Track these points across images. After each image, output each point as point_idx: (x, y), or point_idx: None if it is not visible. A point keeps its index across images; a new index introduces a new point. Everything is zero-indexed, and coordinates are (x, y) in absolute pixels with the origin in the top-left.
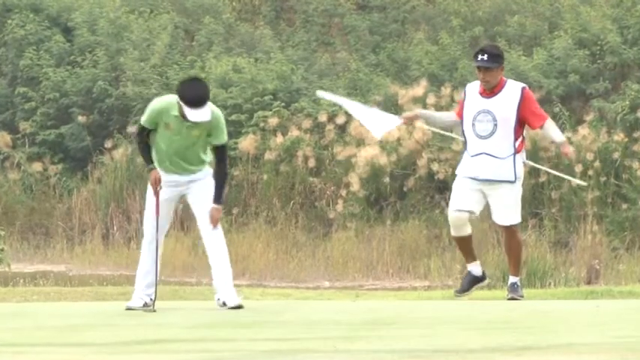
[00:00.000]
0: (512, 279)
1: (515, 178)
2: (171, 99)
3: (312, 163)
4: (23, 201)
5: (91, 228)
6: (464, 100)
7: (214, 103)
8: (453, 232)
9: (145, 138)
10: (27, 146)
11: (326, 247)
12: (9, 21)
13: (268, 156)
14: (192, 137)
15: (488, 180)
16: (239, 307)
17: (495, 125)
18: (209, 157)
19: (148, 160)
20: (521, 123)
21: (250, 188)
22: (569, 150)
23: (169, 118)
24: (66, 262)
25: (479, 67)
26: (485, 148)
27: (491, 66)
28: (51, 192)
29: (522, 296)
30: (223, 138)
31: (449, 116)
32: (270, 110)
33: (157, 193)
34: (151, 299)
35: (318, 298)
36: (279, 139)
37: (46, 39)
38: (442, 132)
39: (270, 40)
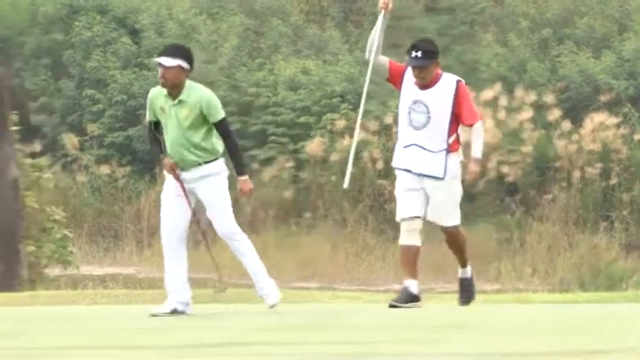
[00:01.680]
0: (462, 272)
1: (445, 175)
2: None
3: (380, 165)
4: (91, 203)
5: (158, 230)
6: (402, 76)
7: (283, 105)
8: (401, 240)
9: (152, 133)
10: (95, 148)
11: (396, 250)
12: (76, 23)
13: (334, 158)
14: (183, 119)
15: (420, 174)
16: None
17: (429, 117)
18: (214, 146)
19: (157, 151)
20: (455, 119)
21: (319, 191)
22: (476, 170)
23: (161, 100)
24: (135, 264)
25: (413, 66)
26: (417, 139)
27: (426, 64)
28: (119, 194)
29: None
30: (218, 115)
31: (384, 59)
32: (338, 113)
33: (177, 178)
34: (185, 302)
35: (388, 301)
36: (346, 141)
37: (113, 41)
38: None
39: (338, 41)
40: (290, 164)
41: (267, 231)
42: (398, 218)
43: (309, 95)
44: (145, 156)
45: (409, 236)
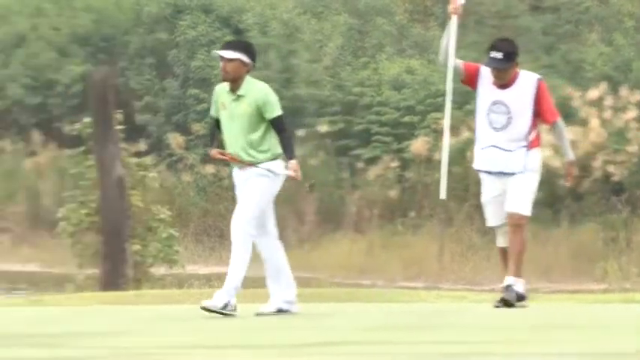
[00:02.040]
0: (508, 280)
1: (524, 169)
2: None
3: None
4: (197, 203)
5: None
6: (477, 77)
7: (387, 104)
8: (498, 243)
9: (213, 128)
10: (200, 148)
11: None
12: (180, 22)
13: (439, 157)
14: (241, 114)
15: (500, 172)
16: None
17: (509, 118)
18: (271, 147)
19: (211, 144)
20: (535, 116)
21: (424, 190)
22: (573, 173)
23: (223, 96)
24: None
25: (492, 67)
26: (497, 141)
27: (506, 66)
28: (224, 194)
29: (513, 301)
30: (275, 111)
31: (458, 62)
32: (443, 112)
33: (228, 156)
34: (290, 301)
35: (493, 301)
36: (451, 140)
37: (217, 40)
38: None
39: None
40: (395, 164)
41: (372, 230)
42: (487, 225)
43: (414, 94)
44: None
45: (504, 239)
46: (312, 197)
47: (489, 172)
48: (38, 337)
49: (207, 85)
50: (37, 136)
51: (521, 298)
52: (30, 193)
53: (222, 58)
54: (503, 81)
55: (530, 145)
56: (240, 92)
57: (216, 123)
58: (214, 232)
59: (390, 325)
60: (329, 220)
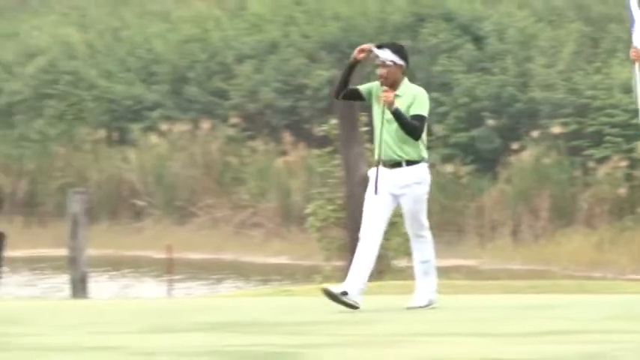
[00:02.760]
0: None
1: None
2: None
3: None
4: (436, 199)
5: (500, 225)
6: None
7: (618, 106)
8: None
9: (348, 88)
10: (440, 148)
11: None
12: (423, 30)
13: None
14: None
15: None
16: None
17: None
18: (419, 150)
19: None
20: None
21: None
22: None
23: (379, 90)
24: (477, 257)
25: None
26: None
27: None
28: (463, 191)
29: None
30: (420, 110)
31: None
32: None
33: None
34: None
35: None
36: None
37: (457, 47)
38: None
39: None
40: (624, 163)
41: (602, 226)
42: None
43: None
44: (487, 155)
45: None
46: (546, 195)
47: None
48: (288, 326)
49: (447, 89)
50: (287, 136)
51: None
52: (281, 190)
53: (378, 63)
54: None
55: None
56: (398, 92)
57: (353, 90)
58: (452, 227)
59: (622, 315)
60: (561, 216)
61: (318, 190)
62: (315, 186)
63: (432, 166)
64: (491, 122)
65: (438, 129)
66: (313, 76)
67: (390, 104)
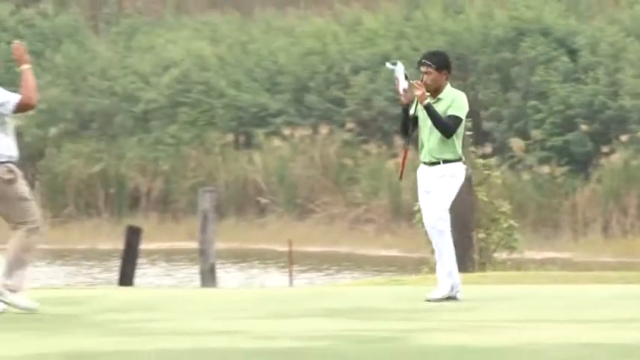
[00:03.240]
0: None
1: None
2: None
3: None
4: (534, 198)
5: (592, 221)
6: None
7: None
8: None
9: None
10: (537, 151)
11: None
12: (522, 43)
13: None
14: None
15: None
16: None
17: None
18: (456, 149)
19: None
20: None
21: None
22: None
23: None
24: (571, 250)
25: None
26: None
27: None
28: (558, 190)
29: None
30: (457, 111)
31: None
32: None
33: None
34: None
35: None
36: None
37: (554, 59)
38: None
39: None
40: None
41: None
42: None
43: None
44: (580, 157)
45: None
46: (634, 194)
47: None
48: (400, 312)
49: (544, 97)
50: (398, 140)
51: None
52: (391, 189)
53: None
54: None
55: None
56: (440, 96)
57: (414, 121)
58: (549, 223)
59: None
60: None
61: None
62: None
63: (529, 168)
64: (584, 127)
65: (536, 134)
66: None
67: (422, 99)
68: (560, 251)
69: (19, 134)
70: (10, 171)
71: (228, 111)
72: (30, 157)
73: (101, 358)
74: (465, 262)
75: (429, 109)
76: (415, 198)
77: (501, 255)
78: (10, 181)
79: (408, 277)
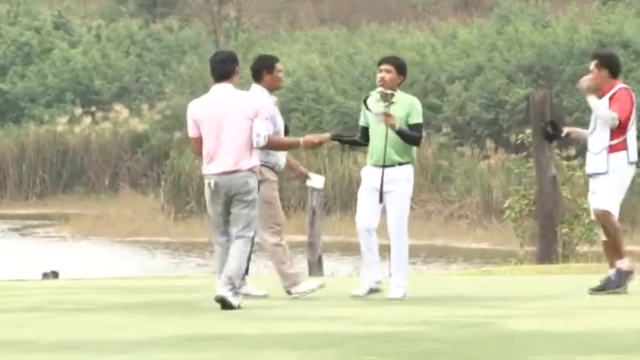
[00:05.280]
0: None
1: (608, 170)
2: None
3: None
4: None
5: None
6: None
7: None
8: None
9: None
10: None
11: None
12: None
13: None
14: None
15: (589, 174)
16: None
17: (595, 121)
18: (405, 156)
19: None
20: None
21: None
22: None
23: (374, 105)
24: None
25: None
26: (589, 144)
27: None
28: (635, 188)
29: (619, 286)
30: (418, 119)
31: None
32: None
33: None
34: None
35: None
36: None
37: (633, 69)
38: None
39: None
40: None
41: None
42: None
43: None
44: None
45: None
46: None
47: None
48: (488, 300)
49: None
50: (489, 143)
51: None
52: (483, 188)
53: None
54: None
55: (613, 149)
56: (393, 99)
57: (363, 133)
58: (627, 218)
59: None
60: None
61: (514, 188)
62: (512, 184)
63: None
64: None
65: None
66: (512, 94)
67: (392, 127)
68: (638, 244)
69: (146, 138)
70: (261, 173)
71: (335, 116)
72: (157, 159)
73: (216, 341)
74: (550, 255)
75: (400, 133)
76: (504, 196)
77: (583, 248)
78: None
79: (497, 268)
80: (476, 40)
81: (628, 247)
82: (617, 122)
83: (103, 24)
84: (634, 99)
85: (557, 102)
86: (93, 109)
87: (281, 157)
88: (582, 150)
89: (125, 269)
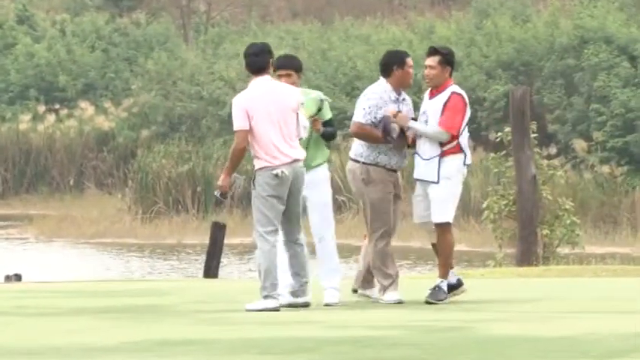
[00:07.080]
0: (437, 280)
1: (439, 179)
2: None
3: None
4: (595, 196)
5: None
6: None
7: None
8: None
9: None
10: (599, 152)
11: None
12: (585, 50)
13: None
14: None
15: (417, 180)
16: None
17: (426, 123)
18: (322, 157)
19: None
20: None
21: None
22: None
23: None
24: (630, 245)
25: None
26: (418, 148)
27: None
28: (617, 189)
29: (441, 300)
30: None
31: None
32: None
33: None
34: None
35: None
36: None
37: (615, 65)
38: None
39: None
40: None
41: None
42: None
43: None
44: None
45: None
46: None
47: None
48: (465, 304)
49: (606, 101)
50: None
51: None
52: (464, 189)
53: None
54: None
55: (444, 154)
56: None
57: None
58: (609, 219)
59: None
60: None
61: (493, 188)
62: (491, 184)
63: (591, 167)
64: None
65: (598, 135)
66: (491, 91)
67: (318, 131)
68: (619, 246)
69: (112, 136)
70: (367, 172)
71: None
72: (123, 158)
73: (188, 346)
74: (529, 257)
75: (325, 135)
76: (483, 196)
77: (564, 250)
78: (363, 181)
79: (475, 271)
80: (454, 35)
81: (609, 249)
82: (449, 136)
83: (67, 18)
84: (466, 101)
85: (538, 99)
86: (57, 106)
87: (392, 157)
88: (563, 149)
89: (90, 272)
